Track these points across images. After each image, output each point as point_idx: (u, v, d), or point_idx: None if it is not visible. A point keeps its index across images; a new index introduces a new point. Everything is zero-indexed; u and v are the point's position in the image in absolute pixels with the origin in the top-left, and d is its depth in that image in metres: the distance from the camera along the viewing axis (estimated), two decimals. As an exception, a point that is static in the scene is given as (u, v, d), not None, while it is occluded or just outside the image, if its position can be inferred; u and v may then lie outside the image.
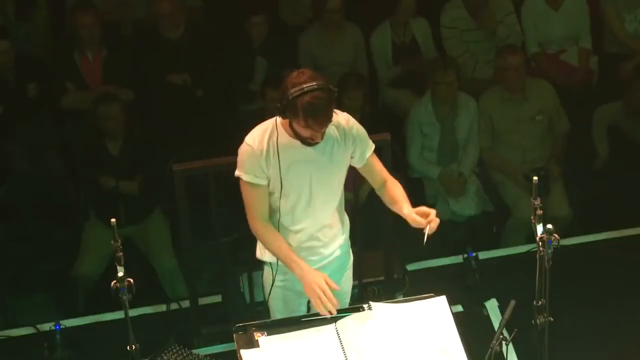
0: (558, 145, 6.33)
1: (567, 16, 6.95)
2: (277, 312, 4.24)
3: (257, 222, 4.00)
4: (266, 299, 4.25)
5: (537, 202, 3.71)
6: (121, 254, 3.68)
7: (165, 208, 5.97)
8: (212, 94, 6.58)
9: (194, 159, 4.98)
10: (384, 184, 4.14)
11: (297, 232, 4.06)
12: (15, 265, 5.92)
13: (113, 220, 3.67)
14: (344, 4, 6.72)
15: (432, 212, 3.92)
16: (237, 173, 3.95)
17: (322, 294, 3.85)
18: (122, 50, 6.59)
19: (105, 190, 5.79)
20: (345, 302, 4.34)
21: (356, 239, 4.31)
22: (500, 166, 6.27)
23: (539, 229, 3.70)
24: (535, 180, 3.75)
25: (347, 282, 4.33)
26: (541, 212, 3.69)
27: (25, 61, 6.41)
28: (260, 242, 4.09)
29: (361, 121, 4.12)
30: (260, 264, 4.26)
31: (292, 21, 7.31)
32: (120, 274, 3.68)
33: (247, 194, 3.97)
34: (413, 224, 3.95)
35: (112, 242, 3.69)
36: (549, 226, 3.67)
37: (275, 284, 4.15)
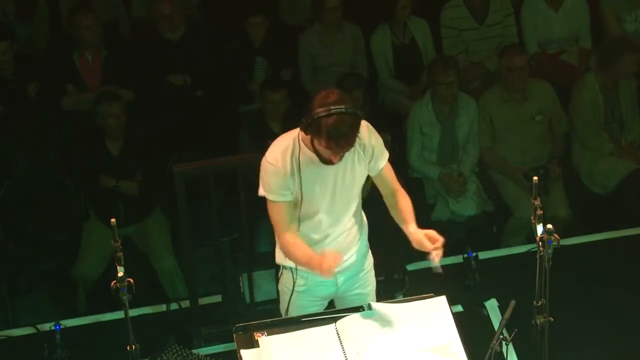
0: (558, 145, 6.32)
1: (567, 16, 6.95)
2: None
3: (285, 235, 3.96)
4: (284, 308, 4.19)
5: (537, 202, 3.71)
6: (121, 254, 3.69)
7: (165, 208, 5.97)
8: (212, 94, 6.59)
9: (194, 159, 4.98)
10: (393, 194, 4.11)
11: (318, 240, 4.04)
12: (15, 265, 5.91)
13: (113, 220, 3.68)
14: (342, 3, 6.72)
15: (441, 240, 3.87)
16: (261, 193, 3.92)
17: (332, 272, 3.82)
18: (121, 51, 6.59)
19: (105, 190, 5.80)
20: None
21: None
22: (500, 166, 6.26)
23: (539, 229, 3.70)
24: (535, 180, 3.75)
25: (366, 283, 4.27)
26: (541, 212, 3.70)
27: (25, 61, 6.41)
28: (286, 254, 4.04)
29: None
30: (262, 266, 4.24)
31: (292, 21, 7.31)
32: (120, 274, 3.68)
33: (274, 212, 3.93)
34: (417, 246, 3.91)
35: (112, 242, 3.69)
36: (549, 226, 3.67)
37: (295, 288, 4.12)
